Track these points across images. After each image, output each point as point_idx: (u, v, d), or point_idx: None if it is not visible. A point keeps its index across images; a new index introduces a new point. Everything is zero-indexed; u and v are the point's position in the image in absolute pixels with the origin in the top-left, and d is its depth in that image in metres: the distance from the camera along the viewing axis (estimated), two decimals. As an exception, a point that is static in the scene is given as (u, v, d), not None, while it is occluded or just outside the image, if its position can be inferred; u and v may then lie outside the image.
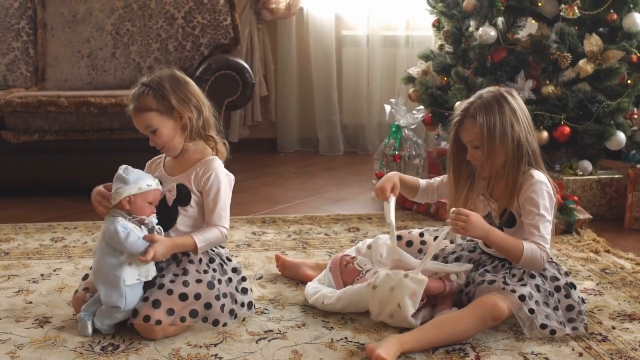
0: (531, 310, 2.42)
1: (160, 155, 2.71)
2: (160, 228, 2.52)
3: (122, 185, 2.46)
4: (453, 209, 2.49)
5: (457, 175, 2.65)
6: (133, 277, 2.43)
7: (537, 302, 2.45)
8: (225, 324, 2.54)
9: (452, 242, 2.85)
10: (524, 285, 2.47)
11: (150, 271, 2.48)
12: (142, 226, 2.47)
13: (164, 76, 2.57)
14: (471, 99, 2.58)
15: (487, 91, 2.58)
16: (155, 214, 2.52)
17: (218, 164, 2.60)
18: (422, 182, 2.84)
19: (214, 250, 2.65)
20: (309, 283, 2.83)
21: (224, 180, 2.60)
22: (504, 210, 2.58)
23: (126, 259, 2.42)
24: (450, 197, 2.69)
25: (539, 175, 2.53)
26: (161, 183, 2.60)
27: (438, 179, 2.84)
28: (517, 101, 2.56)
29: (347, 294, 2.62)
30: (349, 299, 2.61)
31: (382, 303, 2.51)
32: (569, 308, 2.50)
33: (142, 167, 2.75)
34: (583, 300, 2.59)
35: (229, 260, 2.68)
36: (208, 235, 2.55)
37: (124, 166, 2.52)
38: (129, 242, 2.39)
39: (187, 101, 2.56)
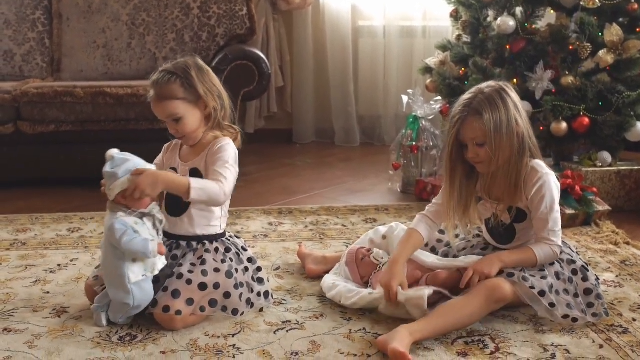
0: (552, 304, 2.41)
1: (177, 140, 2.69)
2: (163, 218, 2.47)
3: (114, 181, 2.37)
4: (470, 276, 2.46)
5: (453, 175, 2.58)
6: (138, 274, 2.40)
7: (557, 292, 2.45)
8: (242, 313, 2.53)
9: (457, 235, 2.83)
10: (544, 277, 2.46)
11: (157, 264, 2.44)
12: (145, 219, 2.42)
13: (190, 64, 2.54)
14: (470, 95, 2.50)
15: (487, 86, 2.51)
16: (155, 202, 2.47)
17: (229, 141, 2.57)
18: (423, 232, 2.65)
19: (229, 240, 2.64)
20: (326, 276, 2.81)
21: (232, 153, 2.54)
22: (509, 207, 2.55)
23: (130, 255, 2.38)
24: (444, 198, 2.63)
25: (543, 167, 2.51)
26: (176, 170, 2.58)
27: (430, 208, 2.70)
28: (516, 96, 2.52)
29: (364, 302, 2.57)
30: (367, 304, 2.57)
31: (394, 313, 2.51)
32: (587, 292, 2.50)
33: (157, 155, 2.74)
34: (598, 279, 2.59)
35: (245, 250, 2.67)
36: (205, 184, 2.43)
37: (110, 156, 2.41)
38: (124, 241, 2.33)
39: (211, 91, 2.54)
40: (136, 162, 2.41)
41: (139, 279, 2.40)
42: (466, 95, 2.51)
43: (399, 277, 2.50)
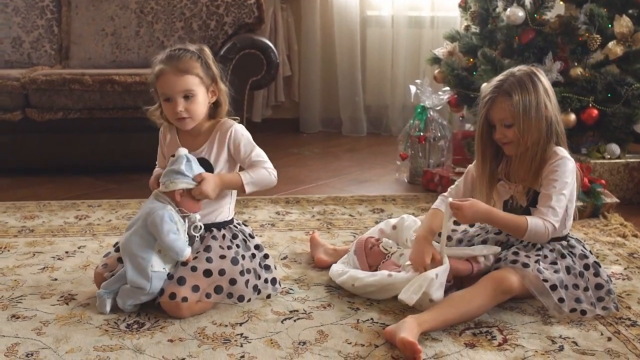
0: (561, 299, 2.42)
1: (168, 125, 2.67)
2: (202, 226, 2.52)
3: (180, 177, 2.43)
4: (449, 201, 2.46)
5: (484, 155, 2.62)
6: (159, 265, 2.43)
7: (566, 287, 2.44)
8: (249, 300, 2.53)
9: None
10: (557, 271, 2.45)
11: (174, 264, 2.49)
12: (186, 220, 2.47)
13: (205, 50, 2.56)
14: (502, 77, 2.54)
15: (518, 69, 2.55)
16: (199, 212, 2.52)
17: (233, 122, 2.60)
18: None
19: (237, 227, 2.64)
20: (334, 265, 2.81)
21: (247, 133, 2.60)
22: (528, 190, 2.56)
23: (158, 247, 2.42)
24: (477, 179, 2.65)
25: (564, 152, 2.52)
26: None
27: (452, 189, 2.75)
28: (547, 81, 2.55)
29: (381, 284, 2.56)
30: (381, 287, 2.56)
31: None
32: (598, 287, 2.50)
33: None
34: (610, 278, 2.58)
35: (252, 237, 2.68)
36: (256, 175, 2.56)
37: (184, 152, 2.47)
38: (170, 238, 2.39)
39: (221, 78, 2.55)
40: (202, 170, 2.51)
41: (160, 270, 2.43)
42: (498, 77, 2.56)
43: (429, 251, 2.52)
